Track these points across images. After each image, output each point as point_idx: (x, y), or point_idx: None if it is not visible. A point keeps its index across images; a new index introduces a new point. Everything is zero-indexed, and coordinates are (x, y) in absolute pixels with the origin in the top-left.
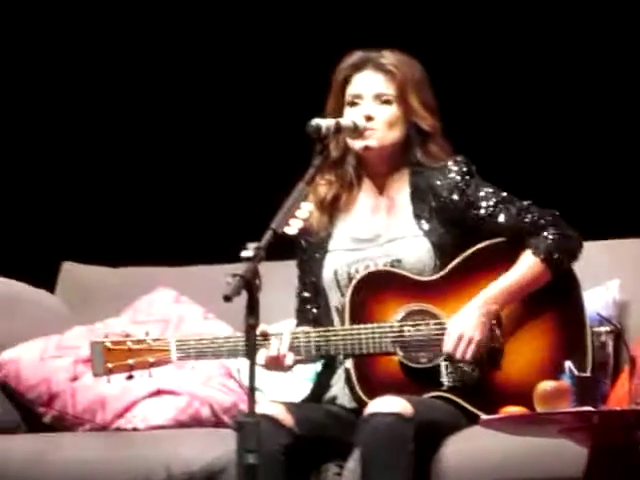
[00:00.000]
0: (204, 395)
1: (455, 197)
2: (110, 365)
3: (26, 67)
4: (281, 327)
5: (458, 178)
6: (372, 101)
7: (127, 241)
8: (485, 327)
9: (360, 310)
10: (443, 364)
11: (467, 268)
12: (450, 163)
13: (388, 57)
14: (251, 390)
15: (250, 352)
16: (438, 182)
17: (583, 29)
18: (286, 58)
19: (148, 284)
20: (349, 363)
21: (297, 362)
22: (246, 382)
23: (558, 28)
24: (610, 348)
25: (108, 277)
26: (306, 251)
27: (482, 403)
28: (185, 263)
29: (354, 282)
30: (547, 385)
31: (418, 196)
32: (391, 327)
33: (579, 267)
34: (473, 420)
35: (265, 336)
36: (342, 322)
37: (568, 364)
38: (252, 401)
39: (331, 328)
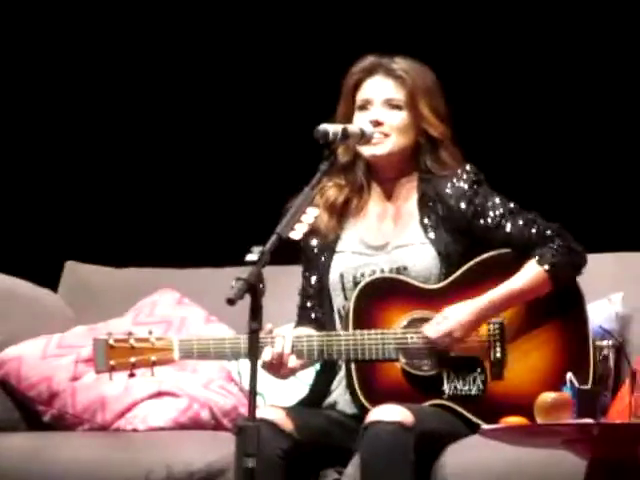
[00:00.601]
0: (204, 398)
1: (463, 206)
2: (112, 362)
3: (31, 69)
4: (283, 331)
5: (466, 187)
6: (382, 106)
7: (131, 242)
8: (472, 328)
9: (364, 315)
10: (445, 373)
11: (472, 277)
12: (459, 171)
13: (399, 63)
14: (252, 394)
15: (252, 356)
16: (446, 190)
17: (603, 44)
18: (296, 62)
19: (151, 285)
20: (351, 368)
21: (296, 371)
22: (247, 386)
23: (575, 42)
24: (611, 361)
25: (111, 277)
26: (313, 251)
27: (483, 412)
28: (189, 265)
29: (359, 287)
30: (548, 396)
31: (426, 204)
32: (395, 334)
33: (583, 279)
34: (473, 429)
35: (270, 333)
36: (345, 326)
37: (570, 376)
38: (252, 405)
39: (334, 332)
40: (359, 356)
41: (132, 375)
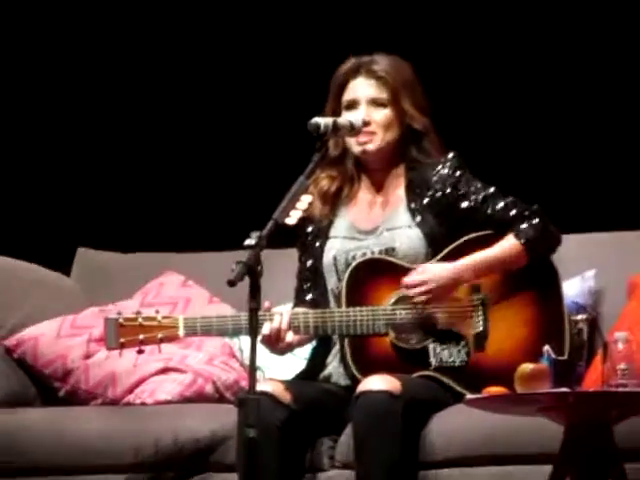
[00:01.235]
0: (208, 373)
1: (447, 190)
2: (122, 339)
3: (43, 62)
4: (281, 309)
5: (450, 172)
6: (367, 105)
7: (138, 228)
8: (446, 285)
9: (356, 294)
10: (431, 346)
11: (456, 257)
12: (443, 159)
13: (380, 63)
14: (252, 368)
15: (252, 332)
16: (432, 176)
17: (564, 30)
18: (290, 62)
19: (157, 269)
20: (344, 343)
21: (293, 346)
22: (247, 361)
23: (547, 30)
24: (585, 334)
25: (120, 262)
26: (308, 237)
27: (467, 383)
28: (192, 249)
29: (351, 268)
30: (527, 367)
31: (413, 190)
32: (384, 310)
33: (558, 258)
34: (458, 399)
35: (269, 310)
36: (338, 305)
37: (547, 348)
38: (253, 379)
39: (328, 310)
40: (351, 331)
41: (141, 352)
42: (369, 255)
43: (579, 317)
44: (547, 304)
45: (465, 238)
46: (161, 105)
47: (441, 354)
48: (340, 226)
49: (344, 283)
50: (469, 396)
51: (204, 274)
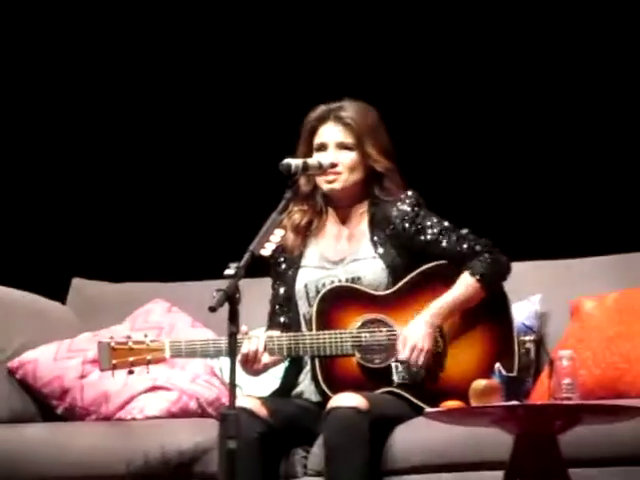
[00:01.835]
0: (192, 391)
1: (406, 225)
2: (114, 361)
3: (29, 81)
4: (257, 333)
5: (409, 209)
6: (335, 148)
7: (127, 260)
8: (431, 337)
9: (325, 318)
10: (393, 365)
11: (414, 285)
12: (403, 196)
13: (347, 109)
14: (232, 386)
15: (231, 354)
16: (392, 213)
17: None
18: (266, 109)
19: (145, 297)
20: (315, 363)
21: (268, 367)
22: (227, 379)
23: (492, 63)
24: (533, 353)
25: (111, 291)
26: (281, 266)
27: (426, 398)
28: (176, 279)
29: (320, 295)
30: (481, 383)
31: (375, 224)
32: (351, 333)
33: (508, 284)
34: (419, 412)
35: (246, 334)
36: (309, 328)
37: (498, 366)
38: (233, 396)
39: (300, 333)
40: (321, 352)
41: (131, 372)
42: (337, 283)
43: (527, 338)
44: (498, 326)
45: (421, 268)
46: (147, 148)
47: (403, 372)
48: (310, 256)
49: (314, 309)
50: (428, 410)
51: (187, 301)
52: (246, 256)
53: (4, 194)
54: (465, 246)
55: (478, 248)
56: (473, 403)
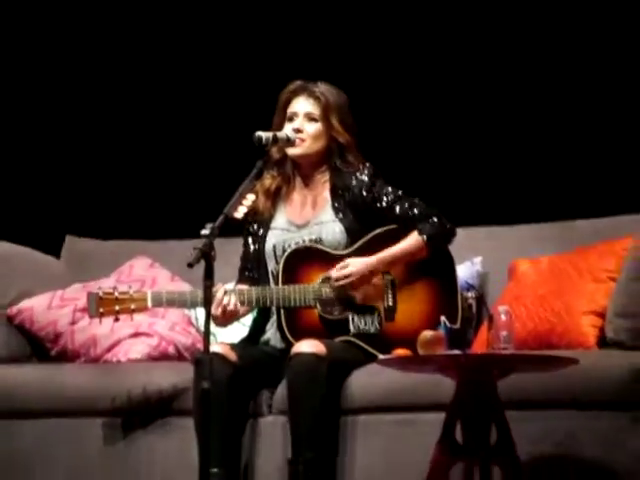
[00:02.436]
0: (170, 337)
1: (364, 193)
2: (102, 310)
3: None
4: (229, 286)
5: (367, 179)
6: (303, 119)
7: (115, 221)
8: (365, 275)
9: (290, 275)
10: (350, 317)
11: (370, 246)
12: (361, 168)
13: (320, 87)
14: (206, 334)
15: (206, 304)
16: (352, 182)
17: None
18: (246, 87)
19: (130, 253)
20: (280, 313)
21: (239, 316)
22: (202, 327)
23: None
24: (474, 308)
25: (100, 247)
26: (253, 227)
27: (379, 346)
28: (158, 238)
29: (286, 254)
30: (427, 334)
31: (336, 192)
32: (313, 288)
33: (453, 247)
34: (372, 359)
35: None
36: (276, 283)
37: (443, 319)
38: (207, 342)
39: (268, 287)
40: (286, 304)
41: (117, 320)
42: (301, 244)
43: (469, 294)
44: (444, 284)
45: (375, 232)
46: (137, 120)
47: (358, 323)
48: (279, 220)
49: (281, 266)
50: (381, 357)
51: (168, 258)
52: (220, 218)
53: (5, 160)
54: (416, 211)
55: (427, 213)
56: (420, 352)
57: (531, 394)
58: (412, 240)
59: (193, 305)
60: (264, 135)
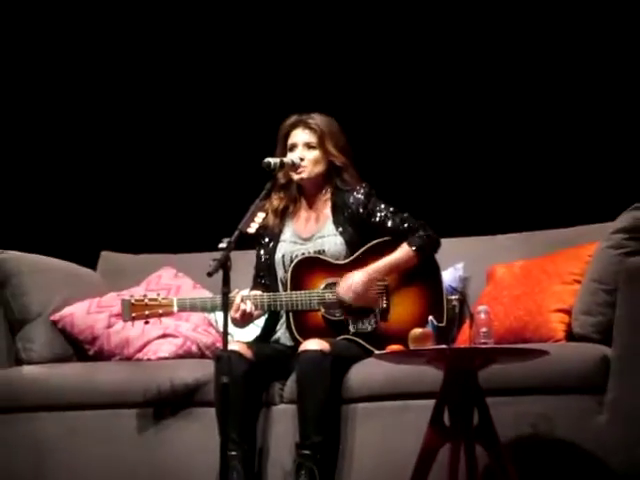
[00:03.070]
0: (193, 337)
1: (360, 210)
2: (134, 314)
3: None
4: (243, 292)
5: (363, 197)
6: (303, 147)
7: (144, 238)
8: (365, 287)
9: (297, 281)
10: (350, 318)
11: (366, 256)
12: (358, 188)
13: (314, 118)
14: (225, 334)
15: (224, 308)
16: (350, 200)
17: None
18: (257, 121)
19: (157, 265)
20: (289, 315)
21: (253, 319)
22: (221, 328)
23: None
24: (457, 308)
25: (131, 260)
26: (265, 240)
27: (376, 343)
28: (181, 252)
29: (294, 263)
30: (417, 331)
31: (336, 209)
32: (317, 293)
33: (439, 255)
34: (370, 354)
35: (237, 294)
36: (285, 289)
37: (431, 318)
38: (225, 341)
39: (277, 293)
40: (294, 308)
41: (147, 323)
42: (306, 254)
43: (453, 297)
44: (431, 287)
45: (371, 243)
46: (165, 149)
47: (357, 324)
48: (287, 234)
49: (289, 274)
50: (377, 352)
51: (190, 268)
52: (236, 233)
53: (51, 187)
54: (406, 225)
55: (416, 227)
56: (412, 347)
57: (508, 382)
58: (403, 251)
59: (213, 309)
60: (272, 161)
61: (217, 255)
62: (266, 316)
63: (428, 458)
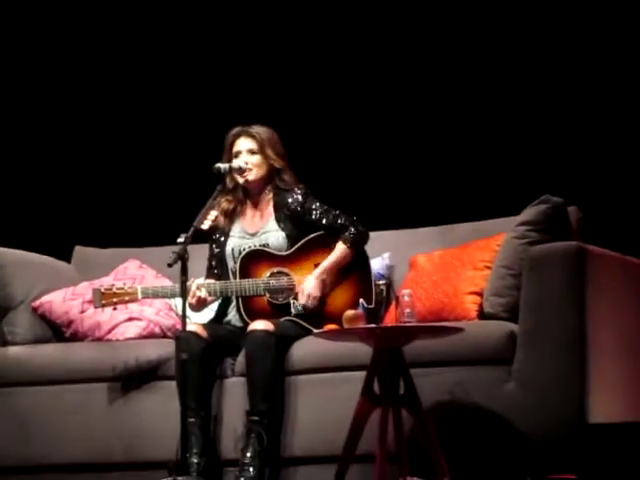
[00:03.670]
0: (156, 320)
1: (298, 208)
2: (103, 301)
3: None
4: (200, 281)
5: (300, 198)
6: (246, 153)
7: (112, 234)
8: (319, 289)
9: (245, 271)
10: (292, 302)
11: (304, 248)
12: (296, 189)
13: (254, 128)
14: (183, 317)
15: (183, 295)
16: (289, 200)
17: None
18: (204, 130)
19: (124, 258)
20: (239, 300)
21: (207, 304)
22: (180, 312)
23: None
24: (384, 292)
25: (101, 254)
26: (216, 235)
27: (314, 323)
28: (145, 245)
29: (242, 255)
30: (350, 312)
31: (278, 208)
32: (262, 281)
33: (368, 246)
34: (309, 333)
35: (193, 282)
36: (235, 278)
37: (362, 301)
38: (184, 323)
39: (228, 281)
40: (243, 293)
41: (115, 309)
42: (253, 247)
43: (380, 282)
44: (362, 274)
45: (308, 237)
46: (127, 157)
47: (298, 306)
48: (235, 230)
49: (238, 265)
50: (316, 331)
51: (152, 260)
52: (191, 229)
53: (32, 189)
54: (339, 222)
55: (347, 223)
56: (345, 326)
57: (429, 355)
58: (340, 250)
59: (173, 296)
60: (222, 166)
61: (176, 248)
62: (219, 301)
63: (361, 422)
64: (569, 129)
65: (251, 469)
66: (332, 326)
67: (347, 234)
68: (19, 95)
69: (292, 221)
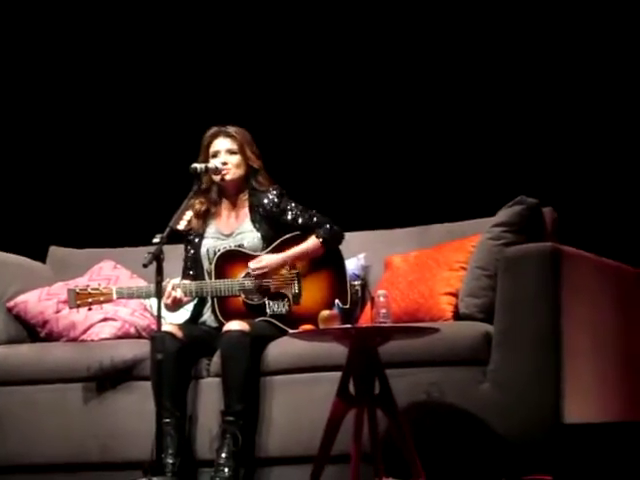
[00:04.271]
0: (131, 321)
1: (274, 209)
2: (78, 302)
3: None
4: (175, 281)
5: (275, 198)
6: (225, 153)
7: (87, 234)
8: (275, 269)
9: (220, 271)
10: (267, 302)
11: (280, 248)
12: (271, 189)
13: (232, 129)
14: (158, 317)
15: (158, 295)
16: (264, 200)
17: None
18: (179, 131)
19: (99, 258)
20: (214, 300)
21: (182, 304)
22: (155, 313)
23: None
24: (360, 292)
25: (76, 254)
26: (191, 236)
27: (289, 324)
28: (120, 246)
29: (217, 256)
30: (325, 313)
31: (253, 208)
32: (238, 281)
33: (343, 246)
34: (284, 333)
35: (168, 282)
36: (210, 278)
37: (337, 301)
38: (159, 324)
39: (204, 281)
40: (218, 294)
41: (90, 309)
42: (228, 248)
43: (356, 282)
44: (337, 275)
45: (284, 237)
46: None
47: (273, 307)
48: (210, 231)
49: (213, 265)
50: (291, 331)
51: (127, 261)
52: (167, 229)
53: (7, 191)
54: (315, 220)
55: (322, 221)
56: (321, 326)
57: (405, 356)
58: (311, 242)
59: (148, 296)
60: (198, 166)
61: (151, 249)
62: (194, 302)
63: (336, 422)
64: (545, 130)
65: (226, 469)
66: (307, 326)
67: (321, 230)
68: None
69: (268, 222)
